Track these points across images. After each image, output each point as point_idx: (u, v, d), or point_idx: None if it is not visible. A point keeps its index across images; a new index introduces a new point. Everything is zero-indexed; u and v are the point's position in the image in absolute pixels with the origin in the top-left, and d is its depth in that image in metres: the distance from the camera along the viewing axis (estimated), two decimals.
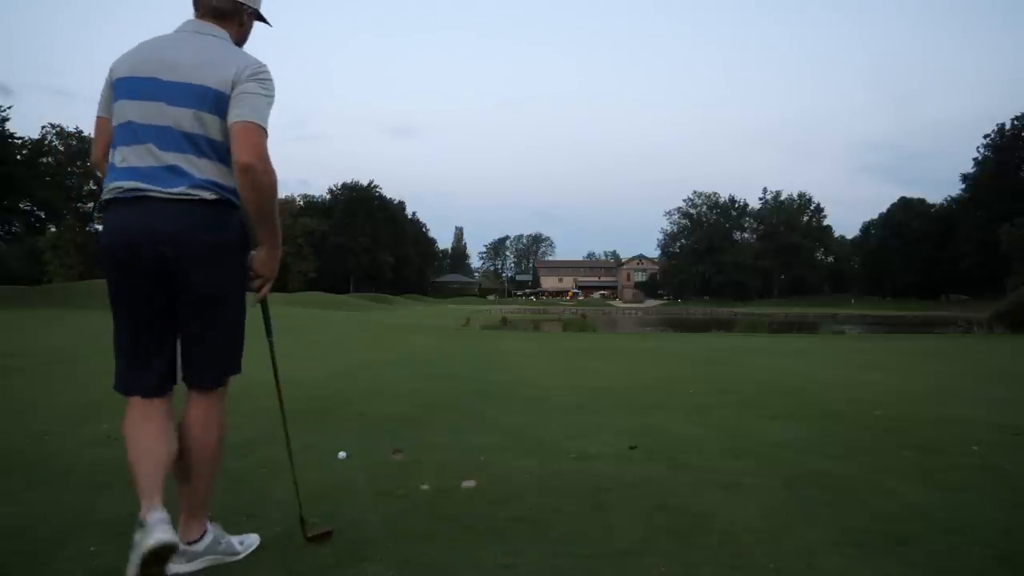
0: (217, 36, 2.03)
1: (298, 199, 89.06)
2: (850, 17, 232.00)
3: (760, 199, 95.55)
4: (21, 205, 33.92)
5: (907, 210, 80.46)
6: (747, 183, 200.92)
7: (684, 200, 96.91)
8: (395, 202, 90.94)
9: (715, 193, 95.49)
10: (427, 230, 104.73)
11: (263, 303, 2.19)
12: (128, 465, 1.94)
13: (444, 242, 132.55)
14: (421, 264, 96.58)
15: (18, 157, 31.84)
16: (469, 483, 2.90)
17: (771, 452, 3.57)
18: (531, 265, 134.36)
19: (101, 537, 2.17)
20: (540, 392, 5.73)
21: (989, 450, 3.64)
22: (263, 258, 2.03)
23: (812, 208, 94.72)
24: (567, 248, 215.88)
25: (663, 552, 2.18)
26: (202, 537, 2.02)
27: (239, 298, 2.04)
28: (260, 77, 1.95)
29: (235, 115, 1.89)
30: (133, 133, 1.90)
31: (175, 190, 1.87)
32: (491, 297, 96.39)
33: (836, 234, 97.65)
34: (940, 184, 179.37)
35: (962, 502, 2.73)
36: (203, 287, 1.93)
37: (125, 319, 1.96)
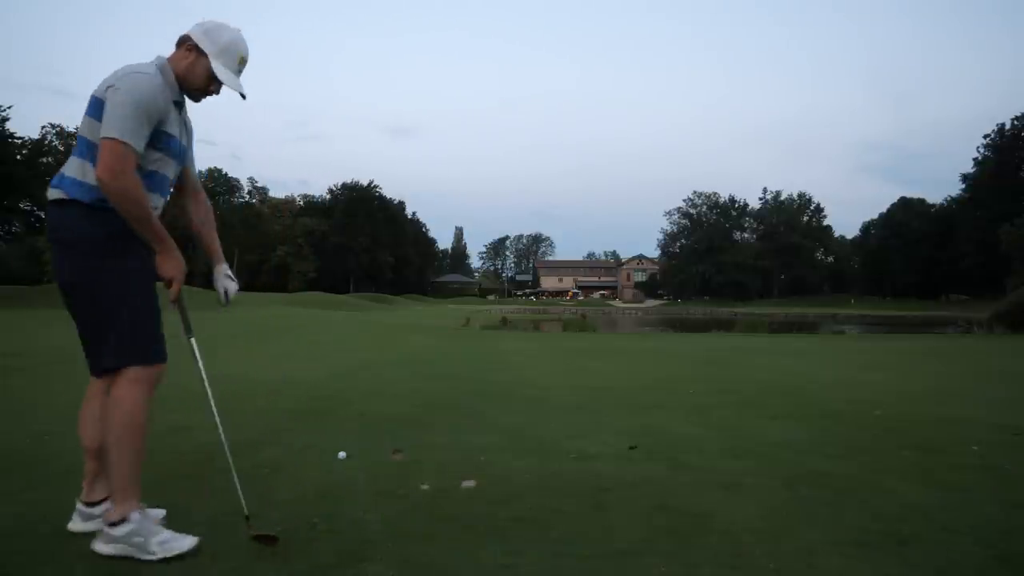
0: (157, 57, 2.20)
1: (298, 199, 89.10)
2: (850, 17, 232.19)
3: (760, 199, 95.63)
4: (21, 205, 33.94)
5: (907, 210, 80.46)
6: (747, 183, 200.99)
7: (684, 200, 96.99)
8: (395, 202, 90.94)
9: (715, 193, 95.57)
10: (427, 230, 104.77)
11: (179, 303, 2.30)
12: None
13: (444, 242, 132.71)
14: (421, 264, 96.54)
15: (18, 157, 31.87)
16: (469, 483, 2.90)
17: (771, 452, 3.57)
18: (531, 265, 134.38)
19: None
20: (540, 392, 5.73)
21: (989, 450, 3.65)
22: (157, 261, 2.19)
23: (812, 208, 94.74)
24: (567, 248, 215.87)
25: (663, 552, 2.19)
26: (121, 523, 2.04)
27: (92, 291, 2.12)
28: (113, 87, 2.04)
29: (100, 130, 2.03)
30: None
31: (50, 193, 2.14)
32: (491, 297, 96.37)
33: (836, 234, 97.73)
34: (940, 184, 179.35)
35: (962, 502, 2.73)
36: (59, 280, 2.18)
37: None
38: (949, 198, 78.21)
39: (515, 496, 2.74)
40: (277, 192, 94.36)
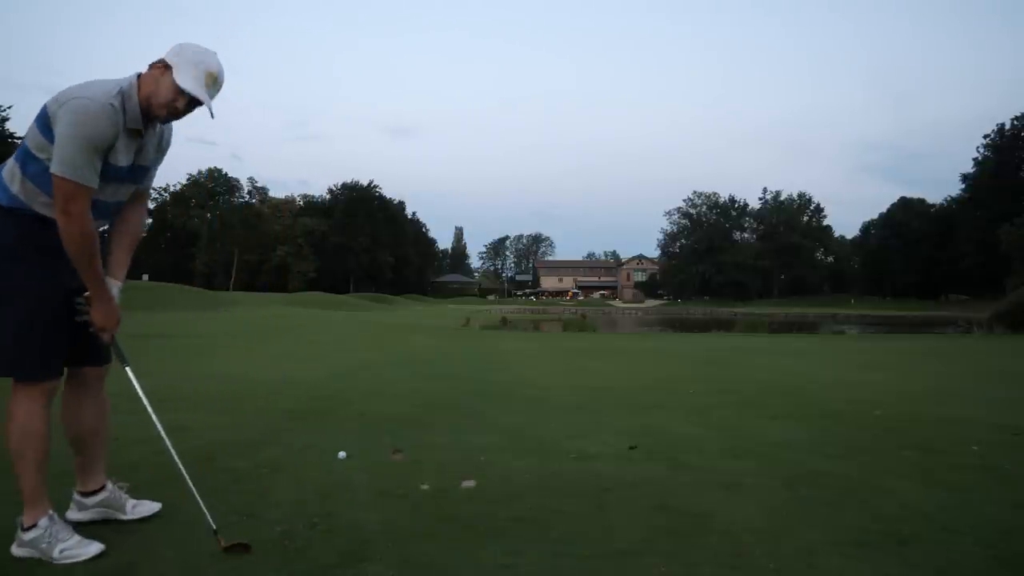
0: (131, 76, 2.11)
1: (298, 199, 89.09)
2: (849, 16, 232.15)
3: (760, 199, 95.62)
4: None
5: (907, 210, 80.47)
6: (747, 183, 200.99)
7: (684, 200, 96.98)
8: (395, 202, 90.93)
9: (715, 193, 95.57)
10: (427, 230, 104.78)
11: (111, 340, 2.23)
12: None
13: (444, 242, 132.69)
14: (421, 264, 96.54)
15: None
16: (469, 483, 2.90)
17: (771, 452, 3.57)
18: (531, 265, 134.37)
19: (100, 537, 2.16)
20: (540, 392, 5.73)
21: (989, 450, 3.65)
22: (91, 309, 2.12)
23: (812, 208, 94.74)
24: (567, 248, 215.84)
25: (663, 552, 2.18)
26: (31, 528, 2.06)
27: None
28: (62, 109, 1.96)
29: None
30: None
31: None
32: (491, 297, 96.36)
33: (836, 234, 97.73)
34: (940, 184, 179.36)
35: (962, 502, 2.73)
36: None
37: None
38: (949, 198, 78.31)
39: (515, 496, 2.74)
40: (277, 192, 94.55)
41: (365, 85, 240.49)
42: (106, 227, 2.27)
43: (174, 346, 10.00)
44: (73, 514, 2.29)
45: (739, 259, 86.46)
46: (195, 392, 5.17)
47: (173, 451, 2.27)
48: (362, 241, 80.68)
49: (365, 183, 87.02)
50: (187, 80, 2.06)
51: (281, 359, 8.53)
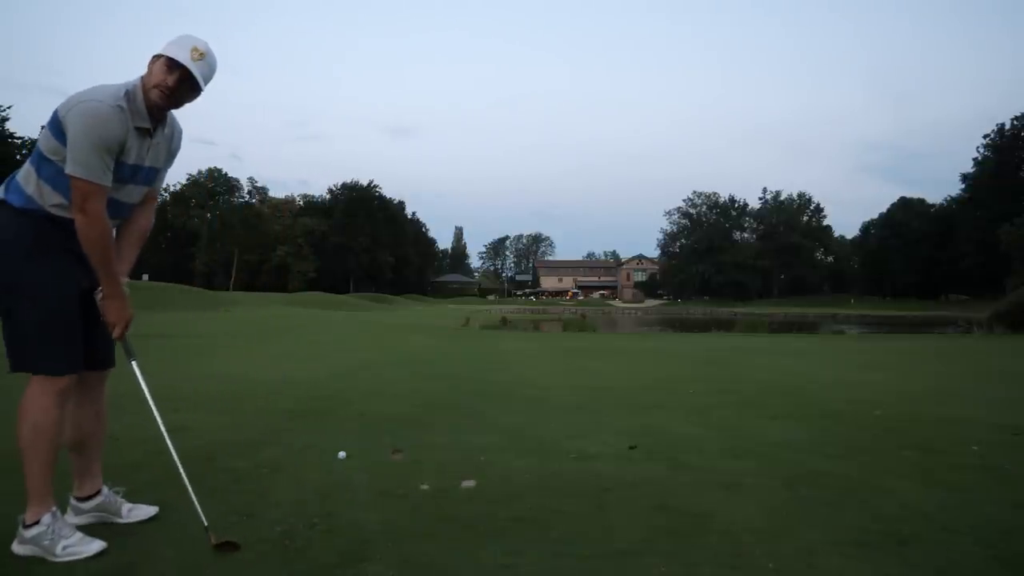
0: (134, 79, 2.16)
1: (298, 199, 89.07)
2: (849, 16, 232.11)
3: (760, 199, 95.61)
4: None
5: (907, 210, 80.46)
6: (747, 183, 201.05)
7: (684, 200, 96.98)
8: (395, 202, 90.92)
9: (715, 193, 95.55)
10: (427, 230, 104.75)
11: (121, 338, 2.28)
12: None
13: (444, 242, 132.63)
14: (421, 264, 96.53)
15: (18, 157, 32.02)
16: (469, 483, 2.90)
17: (771, 452, 3.57)
18: (531, 265, 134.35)
19: (101, 537, 2.16)
20: (540, 392, 5.73)
21: (989, 450, 3.65)
22: (104, 304, 2.18)
23: (812, 208, 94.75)
24: (567, 248, 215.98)
25: (663, 552, 2.19)
26: (33, 525, 2.07)
27: (6, 292, 2.10)
28: (70, 113, 2.02)
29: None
30: None
31: None
32: (491, 297, 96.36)
33: (836, 234, 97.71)
34: (940, 184, 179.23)
35: (962, 502, 2.73)
36: None
37: None
38: (949, 198, 78.30)
39: (515, 496, 2.74)
40: (277, 192, 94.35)
41: (365, 85, 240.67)
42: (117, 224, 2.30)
43: (174, 346, 10.00)
44: (70, 518, 2.28)
45: (739, 259, 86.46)
46: (195, 392, 5.17)
47: (173, 450, 2.27)
48: (362, 241, 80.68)
49: (365, 183, 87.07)
50: (170, 50, 2.12)
51: (281, 359, 8.53)
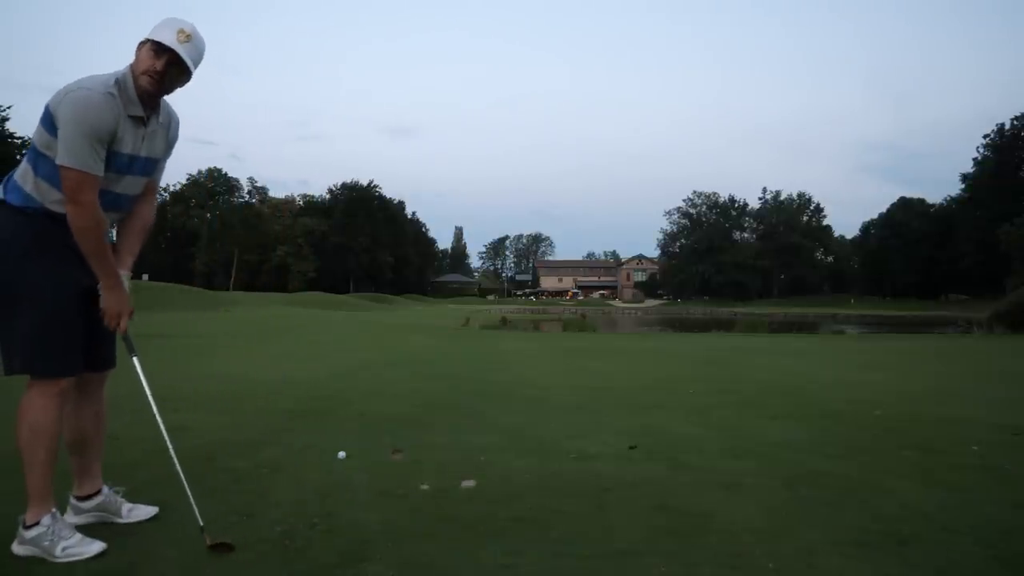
0: (124, 68, 2.14)
1: (298, 199, 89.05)
2: (848, 16, 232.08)
3: (760, 199, 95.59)
4: None
5: (907, 210, 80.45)
6: (746, 183, 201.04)
7: (684, 200, 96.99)
8: (395, 202, 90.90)
9: (715, 193, 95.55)
10: (427, 230, 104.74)
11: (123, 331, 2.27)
12: None
13: (444, 242, 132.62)
14: (421, 264, 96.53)
15: (17, 157, 32.03)
16: (469, 483, 2.90)
17: (771, 452, 3.57)
18: (531, 265, 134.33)
19: (102, 537, 2.16)
20: (540, 392, 5.72)
21: (989, 450, 3.64)
22: (102, 295, 2.15)
23: (812, 208, 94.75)
24: (567, 248, 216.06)
25: (663, 552, 2.18)
26: (33, 526, 2.07)
27: (4, 292, 2.08)
28: (61, 104, 2.00)
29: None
30: None
31: None
32: (491, 297, 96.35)
33: (836, 234, 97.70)
34: (940, 184, 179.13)
35: (962, 502, 2.73)
36: None
37: None
38: (949, 198, 78.29)
39: (515, 496, 2.74)
40: (277, 192, 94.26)
41: (365, 85, 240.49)
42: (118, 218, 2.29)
43: (174, 346, 10.00)
44: (70, 518, 2.28)
45: (739, 259, 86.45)
46: (195, 392, 5.17)
47: (172, 449, 2.27)
48: (362, 241, 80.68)
49: (365, 183, 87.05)
50: (156, 34, 2.10)
51: (281, 359, 8.53)
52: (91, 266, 2.09)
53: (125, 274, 2.26)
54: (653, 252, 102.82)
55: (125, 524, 2.32)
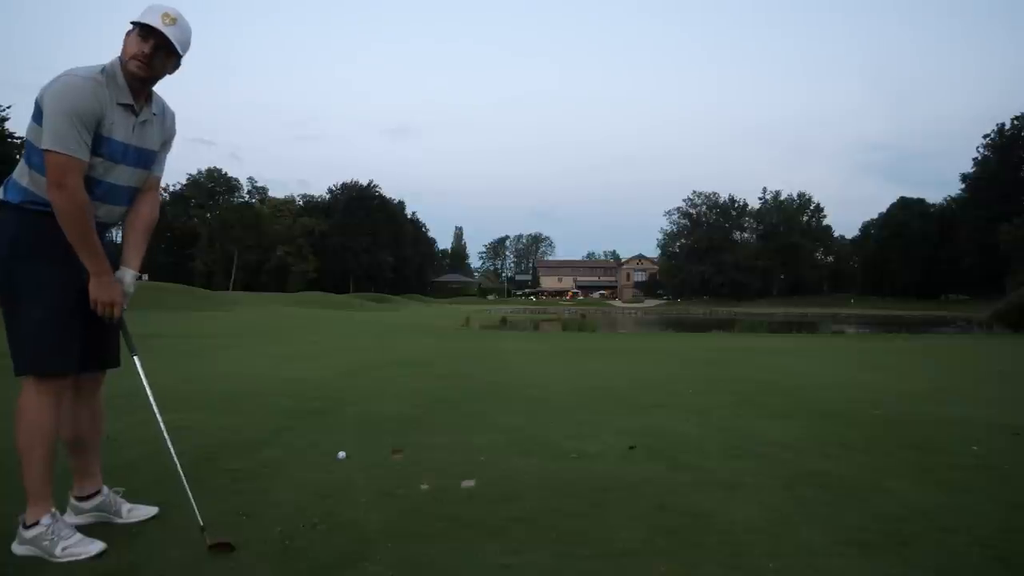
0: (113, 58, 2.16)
1: (298, 199, 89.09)
2: (848, 16, 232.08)
3: (760, 199, 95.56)
4: None
5: (907, 210, 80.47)
6: (746, 183, 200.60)
7: (684, 200, 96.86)
8: (395, 202, 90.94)
9: (715, 193, 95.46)
10: (427, 230, 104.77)
11: (120, 323, 2.26)
12: None
13: (444, 242, 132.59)
14: (421, 264, 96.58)
15: (17, 156, 32.03)
16: (469, 483, 2.90)
17: (770, 452, 3.57)
18: (531, 265, 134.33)
19: (102, 537, 2.16)
20: (540, 392, 5.72)
21: (988, 450, 3.65)
22: (90, 284, 2.12)
23: (812, 208, 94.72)
24: (567, 248, 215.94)
25: (663, 552, 2.19)
26: (32, 526, 2.07)
27: (5, 292, 2.10)
28: (47, 92, 2.02)
29: None
30: None
31: None
32: (491, 297, 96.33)
33: (836, 234, 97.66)
34: (940, 184, 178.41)
35: (961, 502, 2.73)
36: None
37: None
38: (949, 198, 78.34)
39: (515, 496, 2.74)
40: (276, 192, 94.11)
41: (364, 85, 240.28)
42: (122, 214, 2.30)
43: (174, 346, 10.00)
44: (70, 518, 2.28)
45: (739, 259, 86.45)
46: (195, 392, 5.17)
47: (172, 449, 2.27)
48: (362, 241, 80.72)
49: (365, 183, 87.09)
50: (141, 19, 2.10)
51: (281, 360, 8.53)
52: (78, 254, 2.06)
53: (132, 272, 2.27)
54: (653, 252, 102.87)
55: (125, 524, 2.33)
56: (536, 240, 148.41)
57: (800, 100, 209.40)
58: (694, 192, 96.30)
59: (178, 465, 2.27)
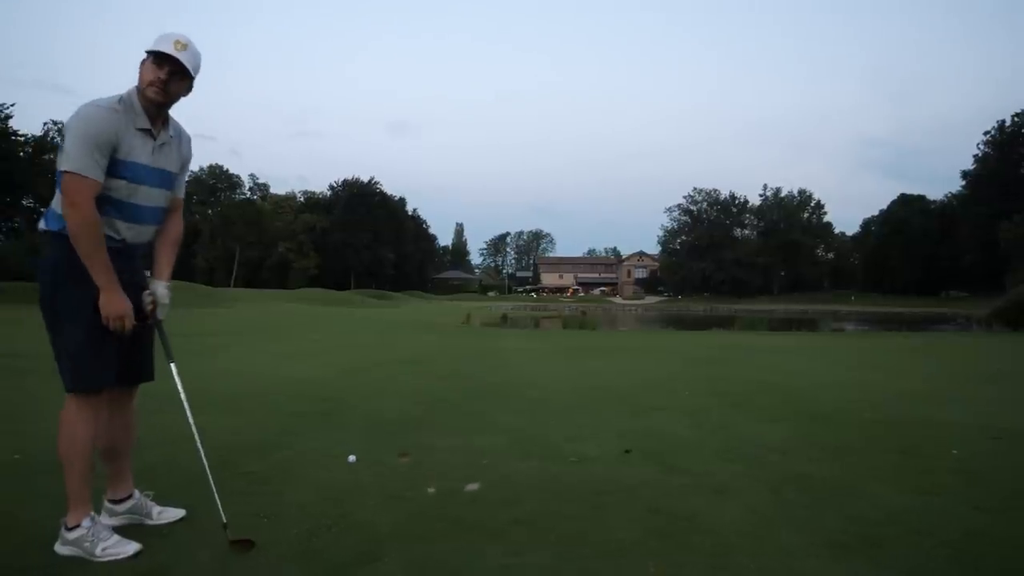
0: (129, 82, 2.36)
1: (299, 195, 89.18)
2: (848, 12, 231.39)
3: (760, 195, 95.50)
4: (24, 202, 34.17)
5: (907, 207, 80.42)
6: (747, 180, 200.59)
7: (684, 197, 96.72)
8: (395, 198, 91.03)
9: (715, 190, 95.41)
10: (427, 226, 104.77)
11: (159, 331, 2.53)
12: None
13: (444, 238, 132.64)
14: (421, 260, 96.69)
15: (21, 154, 32.09)
16: (472, 486, 3.07)
17: (760, 455, 3.74)
18: (532, 261, 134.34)
19: (134, 538, 2.33)
20: (540, 392, 5.89)
21: (968, 453, 3.81)
22: (101, 299, 2.25)
23: (812, 205, 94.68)
24: (567, 245, 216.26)
25: (655, 552, 2.36)
26: (74, 528, 2.26)
27: (49, 317, 2.30)
28: (68, 122, 2.21)
29: None
30: None
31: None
32: (491, 293, 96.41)
33: (836, 231, 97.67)
34: (940, 181, 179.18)
35: (932, 505, 2.89)
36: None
37: None
38: (949, 195, 78.24)
39: (516, 500, 2.91)
40: (276, 188, 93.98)
41: (364, 82, 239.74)
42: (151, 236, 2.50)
43: (176, 345, 10.14)
44: (104, 519, 2.45)
45: (739, 256, 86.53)
46: (201, 392, 5.29)
47: (202, 453, 2.46)
48: (363, 237, 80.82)
49: (366, 180, 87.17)
50: (154, 47, 2.28)
51: (284, 358, 8.70)
52: (88, 269, 2.20)
53: (164, 283, 2.50)
54: (654, 249, 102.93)
55: (156, 525, 2.51)
56: (537, 237, 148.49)
57: (800, 97, 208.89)
58: (695, 189, 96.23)
59: (207, 468, 2.46)
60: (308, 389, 5.78)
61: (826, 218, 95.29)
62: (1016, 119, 67.79)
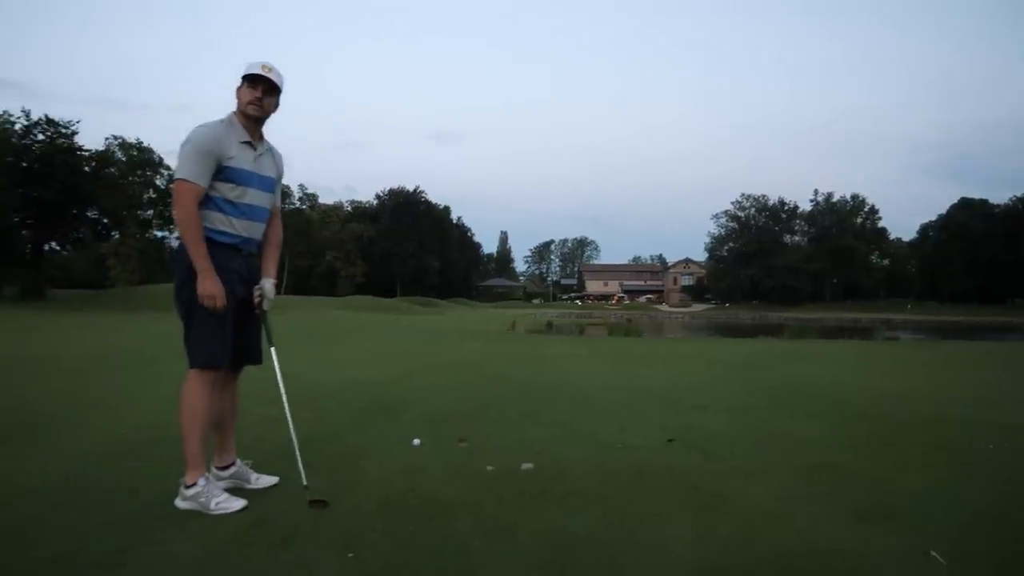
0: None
1: (346, 205, 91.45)
2: (895, 14, 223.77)
3: (811, 201, 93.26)
4: (88, 213, 36.19)
5: (968, 211, 77.30)
6: (796, 185, 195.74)
7: (732, 203, 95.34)
8: (440, 207, 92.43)
9: (764, 195, 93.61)
10: (472, 234, 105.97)
11: (263, 318, 2.97)
12: None
13: (489, 246, 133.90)
14: (466, 268, 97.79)
15: (86, 168, 34.08)
16: (528, 466, 3.40)
17: (794, 447, 3.96)
18: (576, 269, 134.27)
19: (242, 496, 2.74)
20: (586, 393, 6.16)
21: (1005, 449, 3.94)
22: (197, 281, 2.66)
23: (866, 210, 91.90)
24: (612, 252, 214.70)
25: (689, 522, 2.65)
26: (191, 486, 2.68)
27: (183, 308, 2.73)
28: (183, 141, 2.67)
29: None
30: None
31: None
32: (536, 301, 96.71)
33: (892, 236, 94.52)
34: (1002, 184, 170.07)
35: (956, 489, 3.10)
36: None
37: None
38: (1014, 198, 74.89)
39: (568, 476, 3.25)
40: (323, 197, 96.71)
41: (410, 92, 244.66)
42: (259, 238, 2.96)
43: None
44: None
45: (789, 262, 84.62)
46: (272, 390, 5.78)
47: (293, 429, 2.90)
48: (408, 246, 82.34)
49: (411, 189, 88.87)
50: (247, 71, 2.77)
51: (340, 364, 9.17)
52: (189, 255, 2.63)
53: (271, 280, 2.96)
54: (701, 256, 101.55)
55: (254, 489, 2.92)
56: (581, 244, 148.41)
57: (851, 100, 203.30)
58: (742, 195, 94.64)
59: (295, 443, 2.87)
60: (367, 390, 6.19)
61: (880, 223, 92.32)
62: None
